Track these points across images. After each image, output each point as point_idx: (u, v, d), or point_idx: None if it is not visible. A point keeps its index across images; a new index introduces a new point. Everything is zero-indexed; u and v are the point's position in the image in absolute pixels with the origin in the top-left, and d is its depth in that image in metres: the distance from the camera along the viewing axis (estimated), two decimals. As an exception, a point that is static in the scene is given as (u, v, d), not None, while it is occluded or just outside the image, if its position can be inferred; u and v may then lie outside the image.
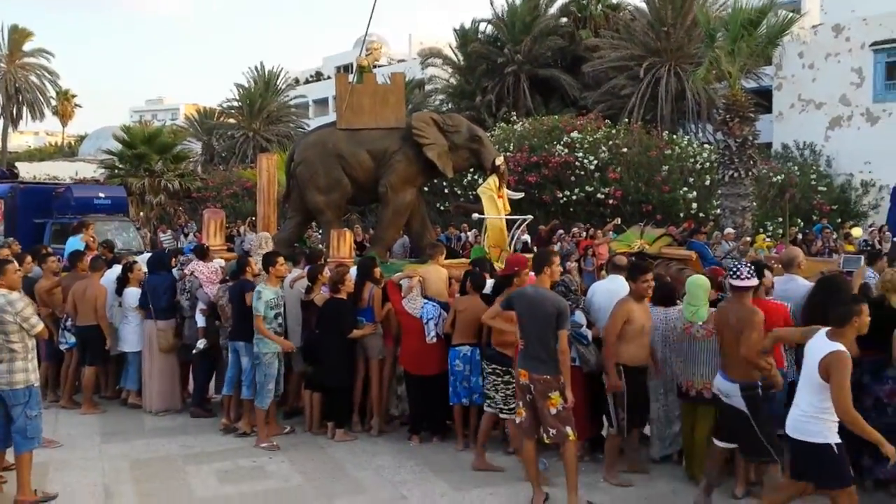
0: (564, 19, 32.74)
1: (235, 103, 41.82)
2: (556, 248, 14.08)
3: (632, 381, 6.18)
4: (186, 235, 17.52)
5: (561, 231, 16.24)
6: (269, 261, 7.44)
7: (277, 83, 42.62)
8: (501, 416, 6.61)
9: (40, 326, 5.85)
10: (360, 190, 11.53)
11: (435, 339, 7.28)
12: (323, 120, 39.84)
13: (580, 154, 20.89)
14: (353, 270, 8.09)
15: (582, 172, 20.74)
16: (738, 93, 17.32)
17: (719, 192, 18.38)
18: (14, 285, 5.91)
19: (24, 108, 49.88)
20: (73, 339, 8.62)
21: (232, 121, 42.02)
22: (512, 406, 6.26)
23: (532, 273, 6.22)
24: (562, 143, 21.40)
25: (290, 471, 6.65)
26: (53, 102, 55.31)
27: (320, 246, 12.84)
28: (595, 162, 20.76)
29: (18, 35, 49.00)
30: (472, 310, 7.13)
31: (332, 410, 7.58)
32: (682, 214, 19.49)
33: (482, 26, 33.23)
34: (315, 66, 60.22)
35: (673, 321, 6.50)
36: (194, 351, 8.22)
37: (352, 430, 7.61)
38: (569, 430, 5.67)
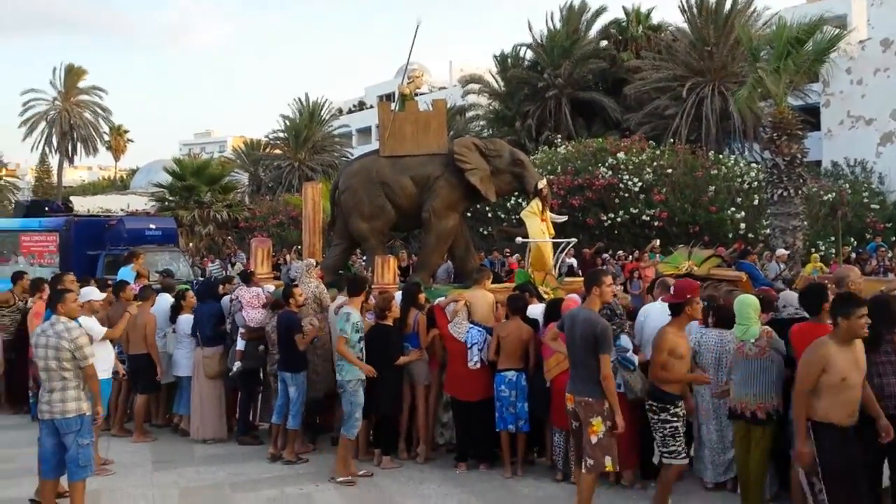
0: (605, 42, 32.70)
1: (281, 134, 42.64)
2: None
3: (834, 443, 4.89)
4: (234, 265, 17.81)
5: (607, 254, 16.07)
6: (358, 285, 7.40)
7: (321, 113, 43.36)
8: (664, 459, 5.92)
9: (91, 361, 5.88)
10: (403, 216, 11.58)
11: (479, 365, 7.22)
12: (366, 148, 40.33)
13: (625, 176, 20.71)
14: (398, 296, 8.11)
15: (626, 194, 20.56)
16: (784, 110, 17.02)
17: (768, 211, 18.01)
18: (73, 314, 6.05)
19: (79, 144, 51.65)
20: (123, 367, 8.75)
21: (278, 151, 42.82)
22: (672, 448, 5.77)
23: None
24: (606, 165, 21.25)
25: (337, 499, 6.63)
26: (106, 138, 57.16)
27: (365, 272, 12.92)
28: (640, 184, 20.55)
29: (74, 74, 50.93)
30: (515, 334, 7.06)
31: (379, 437, 7.55)
32: (730, 235, 19.14)
33: (522, 51, 33.39)
34: (358, 95, 61.09)
35: (727, 343, 6.35)
36: (230, 373, 8.31)
37: (398, 458, 7.57)
38: (608, 460, 5.55)
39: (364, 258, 14.59)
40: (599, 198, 20.75)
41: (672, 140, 24.21)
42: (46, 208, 17.93)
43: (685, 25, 29.18)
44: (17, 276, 10.34)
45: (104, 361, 7.11)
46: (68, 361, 5.76)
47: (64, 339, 5.75)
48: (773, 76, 16.59)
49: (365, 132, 53.46)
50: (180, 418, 8.86)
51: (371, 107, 53.59)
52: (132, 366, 8.62)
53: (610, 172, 20.98)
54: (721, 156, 22.94)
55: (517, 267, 13.85)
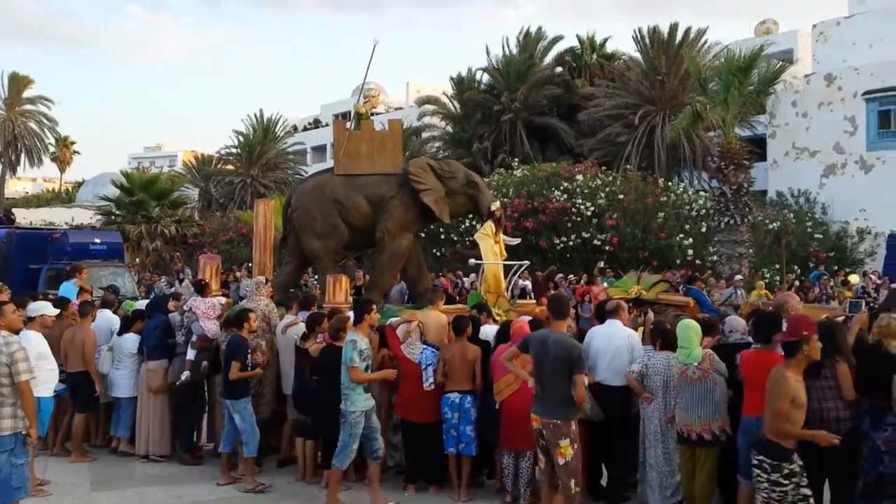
0: (560, 69, 33.25)
1: (234, 150, 42.20)
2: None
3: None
4: (181, 281, 17.43)
5: (560, 275, 16.21)
6: (363, 308, 7.07)
7: (276, 130, 43.08)
8: None
9: (26, 377, 5.58)
10: (356, 235, 11.51)
11: (433, 386, 7.18)
12: (321, 166, 40.11)
13: (578, 200, 20.98)
14: (350, 316, 8.03)
15: (579, 219, 20.81)
16: (732, 140, 17.50)
17: (716, 238, 18.43)
18: (13, 326, 5.83)
19: (23, 155, 50.19)
20: (62, 386, 8.46)
21: (230, 167, 42.33)
22: None
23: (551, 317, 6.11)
24: (560, 189, 21.51)
25: (283, 521, 6.49)
26: (52, 149, 55.70)
27: (316, 291, 12.77)
28: (592, 208, 20.84)
29: (19, 82, 49.57)
30: (460, 356, 7.04)
31: (327, 459, 7.41)
32: (678, 261, 19.50)
33: (479, 75, 33.75)
34: (313, 113, 60.86)
35: (673, 367, 6.44)
36: (178, 383, 8.15)
37: (346, 480, 7.44)
38: (573, 483, 5.59)
39: (316, 277, 14.44)
40: (553, 221, 20.96)
41: (626, 167, 24.66)
42: (-14, 220, 17.37)
43: (638, 55, 29.86)
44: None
45: (47, 378, 6.90)
46: (5, 377, 5.52)
47: (2, 353, 5.52)
48: (722, 106, 17.06)
49: (320, 150, 53.23)
50: (118, 441, 8.59)
51: (326, 125, 53.43)
52: (71, 383, 8.34)
53: (564, 196, 21.22)
54: (671, 183, 23.44)
55: (447, 287, 13.86)
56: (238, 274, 18.85)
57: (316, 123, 57.89)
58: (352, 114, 12.78)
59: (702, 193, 23.07)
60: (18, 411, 5.60)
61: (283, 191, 35.12)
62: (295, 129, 52.05)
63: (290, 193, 12.96)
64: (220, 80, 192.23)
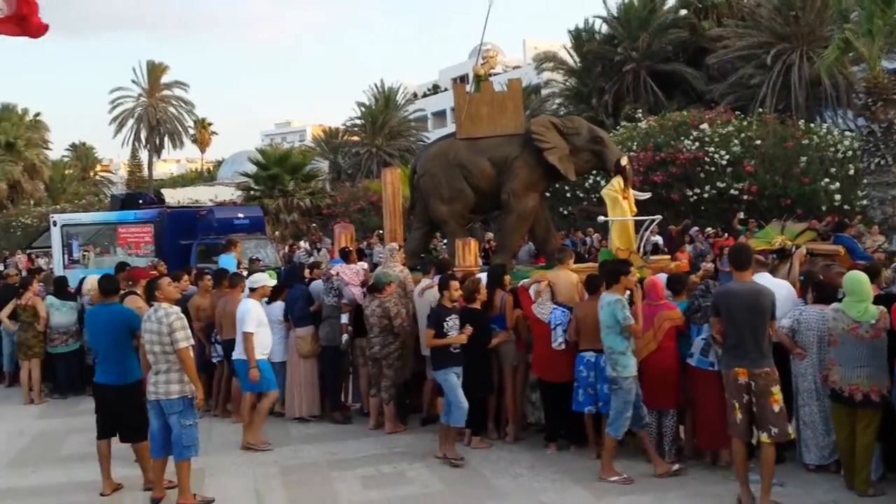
0: (684, 11, 31.63)
1: (358, 121, 43.22)
2: (689, 248, 13.58)
3: None
4: (319, 250, 18.23)
5: (696, 229, 15.63)
6: (620, 270, 6.83)
7: (397, 99, 43.71)
8: None
9: (184, 344, 6.07)
10: (482, 198, 11.57)
11: (563, 346, 7.17)
12: (442, 132, 40.43)
13: (710, 149, 20.07)
14: (483, 278, 8.15)
15: (712, 168, 19.93)
16: (879, 74, 16.13)
17: (865, 181, 17.14)
18: (170, 297, 6.35)
19: (166, 139, 53.67)
20: (222, 352, 9.13)
21: (356, 138, 43.43)
22: None
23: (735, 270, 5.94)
24: (690, 138, 20.64)
25: (430, 477, 6.75)
26: (191, 131, 59.15)
27: (446, 255, 12.99)
28: (727, 157, 19.89)
29: (156, 70, 52.80)
30: (593, 314, 6.98)
31: (469, 418, 7.61)
32: (824, 207, 18.33)
33: (597, 25, 32.72)
34: (432, 79, 61.26)
35: (829, 321, 6.09)
36: (341, 345, 8.68)
37: (488, 438, 7.63)
38: (790, 428, 5.70)
39: (444, 241, 14.67)
40: (684, 172, 20.19)
41: (759, 110, 23.29)
42: (140, 201, 18.72)
43: (769, -10, 27.91)
44: (119, 267, 10.87)
45: (264, 342, 7.78)
46: (168, 345, 6.04)
47: (163, 323, 6.04)
48: (866, 38, 15.74)
49: (440, 115, 53.58)
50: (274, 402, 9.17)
51: (445, 90, 53.62)
52: (227, 350, 8.95)
53: (695, 146, 20.36)
54: (812, 125, 21.94)
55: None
56: (373, 241, 19.47)
57: (435, 89, 58.22)
58: (470, 76, 12.76)
59: (847, 134, 21.43)
60: (185, 376, 6.12)
61: (407, 158, 35.74)
62: (415, 96, 52.62)
63: (415, 161, 13.17)
64: (342, 53, 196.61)
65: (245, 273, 10.06)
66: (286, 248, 21.15)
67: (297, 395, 8.77)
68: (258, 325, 7.69)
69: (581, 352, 7.06)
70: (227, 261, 11.68)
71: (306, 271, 9.77)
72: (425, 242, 12.84)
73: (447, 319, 7.12)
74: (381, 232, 20.81)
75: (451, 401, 7.06)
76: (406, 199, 12.96)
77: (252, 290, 8.10)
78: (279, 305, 8.95)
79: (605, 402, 6.89)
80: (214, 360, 9.27)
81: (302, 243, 20.74)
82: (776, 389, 5.55)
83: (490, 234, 16.64)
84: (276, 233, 27.14)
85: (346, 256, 9.30)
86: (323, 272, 9.20)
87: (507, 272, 8.32)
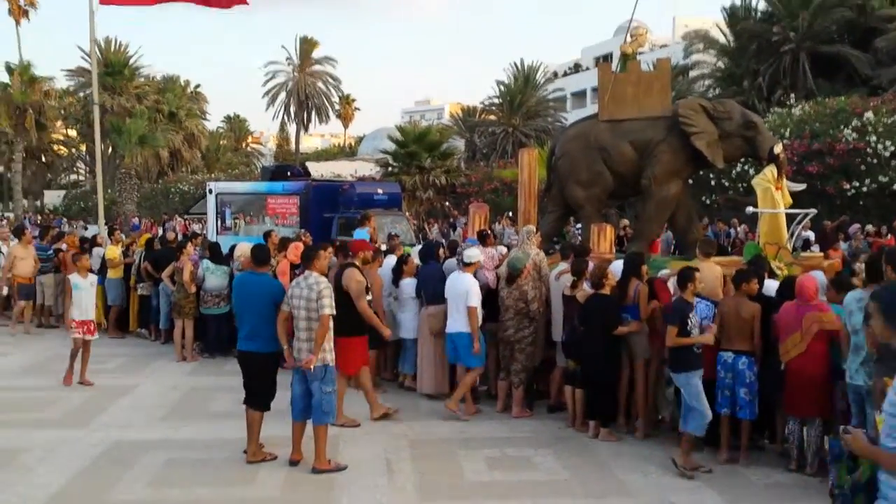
0: (853, -12, 29.25)
1: (496, 100, 43.18)
2: (844, 247, 12.67)
3: None
4: (455, 229, 18.43)
5: (856, 226, 14.52)
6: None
7: (536, 78, 43.25)
8: None
9: (328, 311, 6.35)
10: (622, 183, 11.28)
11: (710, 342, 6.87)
12: (581, 112, 39.72)
13: (872, 139, 18.54)
14: (617, 265, 7.97)
15: (875, 160, 18.41)
16: None
17: None
18: (323, 270, 6.66)
19: (313, 113, 55.91)
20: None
21: (492, 118, 43.46)
22: None
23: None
24: (850, 127, 19.15)
25: (556, 465, 6.71)
26: (337, 107, 61.27)
27: (579, 241, 12.78)
28: (891, 148, 18.30)
29: (307, 45, 54.95)
30: (735, 312, 6.62)
31: (596, 409, 7.50)
32: None
33: (754, 2, 30.86)
34: (573, 58, 60.16)
35: None
36: None
37: (616, 431, 7.48)
38: None
39: (578, 226, 14.43)
40: (842, 164, 18.79)
41: (934, 98, 21.22)
42: (289, 173, 19.58)
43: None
44: (267, 234, 11.46)
45: None
46: (314, 312, 6.30)
47: (313, 289, 6.31)
48: None
49: (580, 95, 52.65)
50: (405, 377, 9.40)
51: (587, 69, 52.57)
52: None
53: (855, 135, 18.88)
54: None
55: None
56: (504, 223, 19.50)
57: (576, 68, 57.21)
58: (613, 55, 12.42)
59: None
60: (327, 345, 6.38)
61: (544, 139, 35.36)
62: (555, 75, 51.91)
63: (554, 142, 12.99)
64: (483, 31, 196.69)
65: (383, 248, 10.33)
66: (425, 224, 21.52)
67: (426, 371, 8.93)
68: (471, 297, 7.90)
69: (721, 350, 6.76)
70: (361, 235, 12.02)
71: (441, 250, 9.91)
72: (559, 226, 12.71)
73: (691, 316, 6.55)
74: (510, 214, 20.79)
75: (692, 407, 6.48)
76: (542, 181, 12.85)
77: (467, 264, 8.14)
78: (411, 282, 9.12)
79: (742, 406, 6.58)
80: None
81: (435, 226, 21.05)
82: None
83: (626, 221, 16.19)
84: (412, 209, 27.70)
85: (483, 239, 9.35)
86: (458, 253, 9.28)
87: (644, 261, 8.08)
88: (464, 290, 7.95)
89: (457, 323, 8.01)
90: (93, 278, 9.90)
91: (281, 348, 6.57)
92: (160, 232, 20.10)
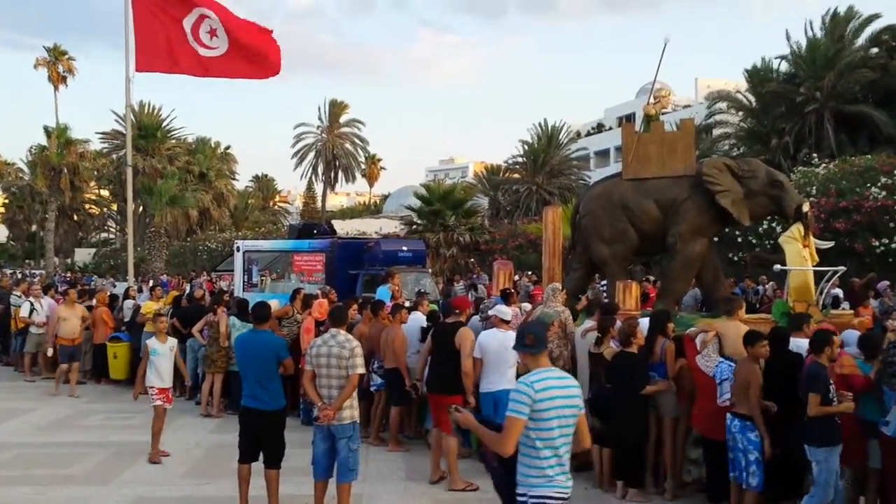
0: (875, 49, 29.48)
1: (520, 159, 43.59)
2: (874, 304, 12.46)
3: None
4: (475, 288, 18.43)
5: (886, 283, 14.31)
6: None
7: (560, 137, 43.69)
8: None
9: (360, 370, 6.40)
10: (646, 241, 11.27)
11: (728, 402, 6.74)
12: (604, 171, 39.95)
13: (901, 196, 18.42)
14: (643, 323, 7.91)
15: (903, 218, 18.25)
16: None
17: None
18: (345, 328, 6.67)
19: (340, 173, 56.86)
20: (380, 381, 9.42)
21: (516, 176, 43.80)
22: None
23: None
24: (878, 185, 19.05)
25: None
26: (363, 166, 62.28)
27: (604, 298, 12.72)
28: (920, 206, 18.15)
29: (337, 108, 56.27)
30: (744, 375, 6.44)
31: (624, 468, 7.35)
32: None
33: (776, 64, 31.18)
34: (596, 117, 60.85)
35: None
36: None
37: (645, 492, 7.31)
38: None
39: (602, 283, 14.37)
40: (870, 221, 18.63)
41: (960, 157, 21.10)
42: (315, 231, 19.81)
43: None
44: (295, 292, 11.55)
45: None
46: (344, 370, 6.30)
47: (345, 347, 6.33)
48: None
49: (603, 154, 53.02)
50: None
51: (610, 128, 53.10)
52: (387, 379, 9.23)
53: (883, 193, 18.76)
54: None
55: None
56: (524, 280, 19.41)
57: (599, 128, 57.77)
58: (636, 115, 12.58)
59: None
60: (354, 402, 6.36)
61: (567, 197, 35.50)
62: (578, 134, 52.38)
63: (578, 200, 13.04)
64: (506, 92, 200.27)
65: (406, 304, 10.35)
66: (448, 282, 21.56)
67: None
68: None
69: (731, 411, 6.57)
70: (383, 292, 12.07)
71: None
72: (584, 283, 12.65)
73: (832, 384, 6.06)
74: (529, 273, 20.85)
75: (821, 482, 5.96)
76: (567, 239, 12.87)
77: (505, 322, 8.00)
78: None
79: (750, 472, 6.37)
80: (372, 389, 9.56)
81: (456, 284, 21.08)
82: None
83: (651, 278, 16.11)
84: (436, 266, 27.77)
85: (506, 298, 9.32)
86: (482, 311, 9.29)
87: (670, 318, 8.01)
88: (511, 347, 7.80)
89: (505, 381, 7.68)
90: (172, 342, 9.19)
91: (286, 405, 6.66)
92: (188, 289, 20.34)
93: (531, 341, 4.31)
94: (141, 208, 50.00)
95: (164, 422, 8.90)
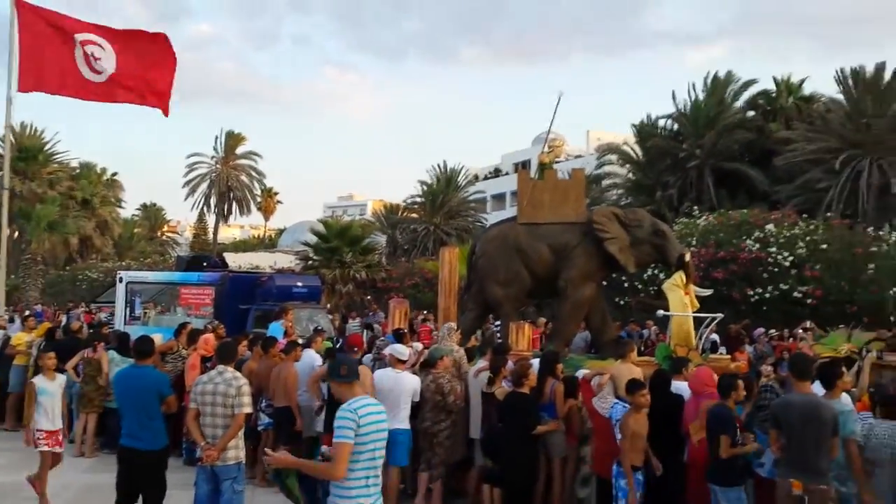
0: (752, 112, 31.79)
1: (419, 199, 44.00)
2: (749, 350, 13.20)
3: None
4: (371, 327, 18.28)
5: (760, 330, 15.21)
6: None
7: (458, 180, 44.44)
8: None
9: (248, 410, 6.20)
10: (539, 283, 11.59)
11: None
12: (500, 214, 40.81)
13: (773, 250, 19.73)
14: (535, 364, 8.06)
15: (776, 269, 19.52)
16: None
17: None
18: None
19: (234, 205, 55.44)
20: (268, 420, 9.14)
21: (415, 215, 44.12)
22: None
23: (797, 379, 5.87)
24: (752, 237, 20.36)
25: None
26: (259, 199, 61.00)
27: (498, 339, 12.91)
28: (791, 258, 19.49)
29: (233, 139, 55.08)
30: (628, 426, 6.58)
31: (511, 508, 7.39)
32: (893, 318, 17.65)
33: (662, 121, 33.04)
34: (493, 162, 62.32)
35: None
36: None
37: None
38: None
39: (496, 324, 14.59)
40: (745, 272, 19.83)
41: (827, 214, 22.90)
42: (205, 263, 19.11)
43: (840, 96, 27.92)
44: (181, 327, 11.11)
45: None
46: (229, 408, 6.07)
47: (231, 385, 6.10)
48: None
49: (499, 198, 54.22)
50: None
51: (506, 173, 54.47)
52: (276, 418, 8.96)
53: (757, 246, 20.06)
54: (881, 232, 21.41)
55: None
56: (420, 318, 19.41)
57: (496, 172, 59.15)
58: (531, 163, 13.07)
59: (919, 244, 20.79)
60: (240, 442, 6.13)
61: (464, 238, 36.02)
62: (476, 178, 53.48)
63: (475, 242, 13.28)
64: (406, 132, 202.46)
65: (300, 341, 10.14)
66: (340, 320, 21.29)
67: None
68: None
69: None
70: (275, 328, 11.79)
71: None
72: (478, 324, 12.84)
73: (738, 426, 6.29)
74: (425, 312, 20.97)
75: None
76: (462, 279, 13.03)
77: (401, 361, 8.01)
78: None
79: None
80: (260, 428, 9.26)
81: (352, 320, 20.87)
82: None
83: (542, 319, 16.49)
84: (331, 303, 27.42)
85: (399, 338, 9.24)
86: (374, 350, 9.22)
87: (559, 360, 8.21)
88: (410, 387, 7.79)
89: (397, 420, 7.65)
90: (61, 379, 8.33)
91: (168, 445, 6.41)
92: (64, 320, 19.17)
93: (345, 371, 4.65)
94: (17, 234, 46.99)
95: (48, 470, 8.06)
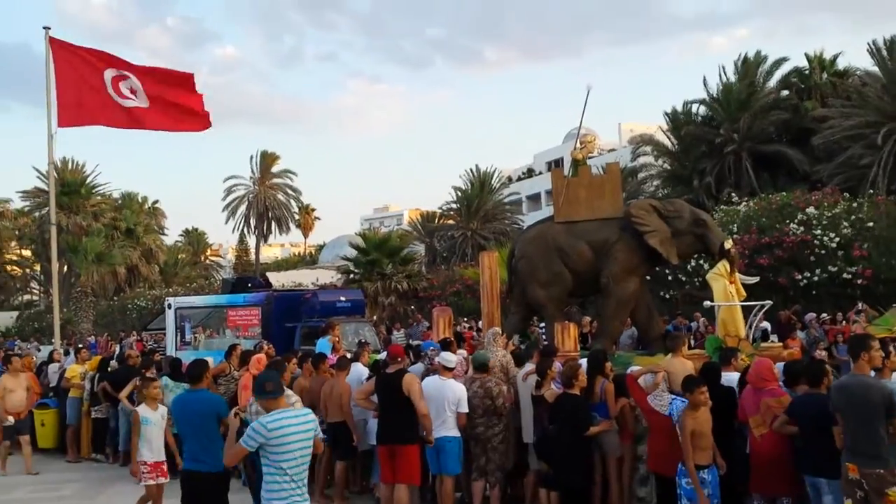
0: (786, 92, 31.21)
1: (454, 205, 44.03)
2: (801, 336, 12.95)
3: None
4: (412, 337, 18.39)
5: (811, 315, 14.88)
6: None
7: (492, 182, 44.39)
8: None
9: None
10: (581, 282, 11.52)
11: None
12: (536, 215, 40.69)
13: (818, 232, 19.32)
14: (582, 364, 8.02)
15: (822, 251, 19.11)
16: None
17: None
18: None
19: (273, 224, 56.15)
20: (322, 436, 9.22)
21: (451, 222, 44.17)
22: None
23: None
24: (796, 220, 19.97)
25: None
26: (297, 217, 61.68)
27: (543, 340, 12.87)
28: (837, 239, 19.07)
29: (268, 159, 55.80)
30: (688, 426, 6.42)
31: (572, 510, 7.37)
32: (948, 291, 17.18)
33: (695, 107, 32.60)
34: (526, 162, 62.16)
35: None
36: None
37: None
38: None
39: (541, 325, 14.54)
40: (791, 256, 19.45)
41: (871, 191, 22.36)
42: (249, 284, 19.42)
43: (875, 69, 27.25)
44: (231, 348, 11.30)
45: None
46: None
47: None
48: None
49: (534, 198, 54.04)
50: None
51: (540, 173, 54.29)
52: (331, 433, 9.05)
53: (801, 229, 19.67)
54: (930, 205, 20.84)
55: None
56: (464, 325, 19.46)
57: (529, 173, 58.99)
58: (564, 160, 12.97)
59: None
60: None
61: (502, 241, 35.95)
62: (510, 179, 53.37)
63: (513, 244, 13.26)
64: (437, 139, 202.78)
65: (348, 355, 10.24)
66: (386, 331, 21.44)
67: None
68: None
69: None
70: (323, 344, 11.90)
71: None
72: (522, 326, 12.81)
73: None
74: (465, 320, 21.01)
75: None
76: (504, 283, 13.02)
77: (448, 369, 7.96)
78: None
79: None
80: (316, 443, 9.36)
81: (396, 332, 21.03)
82: (892, 490, 5.23)
83: (587, 318, 16.40)
84: (375, 315, 27.60)
85: (447, 347, 9.25)
86: (425, 360, 9.25)
87: (607, 358, 8.16)
88: (455, 396, 7.71)
89: (444, 428, 7.70)
90: (163, 410, 8.11)
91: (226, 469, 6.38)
92: (118, 350, 19.63)
93: (271, 388, 5.04)
94: (66, 267, 48.28)
95: (161, 501, 7.87)
